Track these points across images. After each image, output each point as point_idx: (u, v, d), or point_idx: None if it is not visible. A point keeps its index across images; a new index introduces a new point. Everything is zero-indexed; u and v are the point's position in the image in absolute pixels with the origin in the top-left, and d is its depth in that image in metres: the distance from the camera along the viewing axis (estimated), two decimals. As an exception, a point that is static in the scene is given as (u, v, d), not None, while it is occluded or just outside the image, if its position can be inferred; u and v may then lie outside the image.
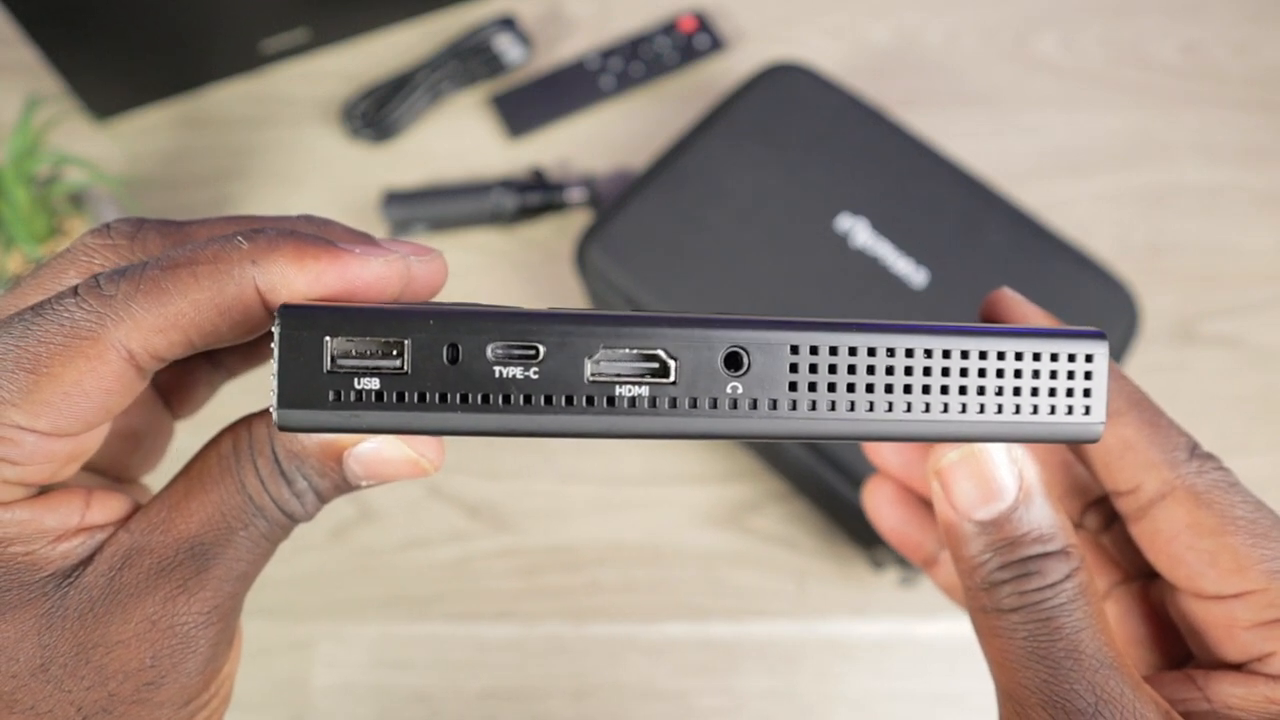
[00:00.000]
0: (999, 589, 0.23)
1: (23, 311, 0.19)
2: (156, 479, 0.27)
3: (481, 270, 0.65)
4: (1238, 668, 0.24)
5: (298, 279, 0.20)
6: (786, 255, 0.55)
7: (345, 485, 0.22)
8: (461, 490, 0.57)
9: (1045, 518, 0.23)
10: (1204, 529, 0.23)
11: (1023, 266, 0.54)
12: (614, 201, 0.57)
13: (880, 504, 0.32)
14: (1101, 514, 0.29)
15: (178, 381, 0.27)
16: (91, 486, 0.22)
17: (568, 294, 0.63)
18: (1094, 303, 0.54)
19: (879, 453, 0.32)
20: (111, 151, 0.68)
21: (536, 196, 0.64)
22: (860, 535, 0.52)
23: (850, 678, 0.53)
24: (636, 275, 0.55)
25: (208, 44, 0.68)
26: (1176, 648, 0.27)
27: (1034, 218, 0.56)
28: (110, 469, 0.26)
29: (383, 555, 0.55)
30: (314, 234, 0.21)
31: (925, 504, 0.32)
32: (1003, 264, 0.54)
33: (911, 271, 0.54)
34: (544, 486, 0.57)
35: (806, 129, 0.58)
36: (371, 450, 0.21)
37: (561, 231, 0.65)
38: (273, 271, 0.19)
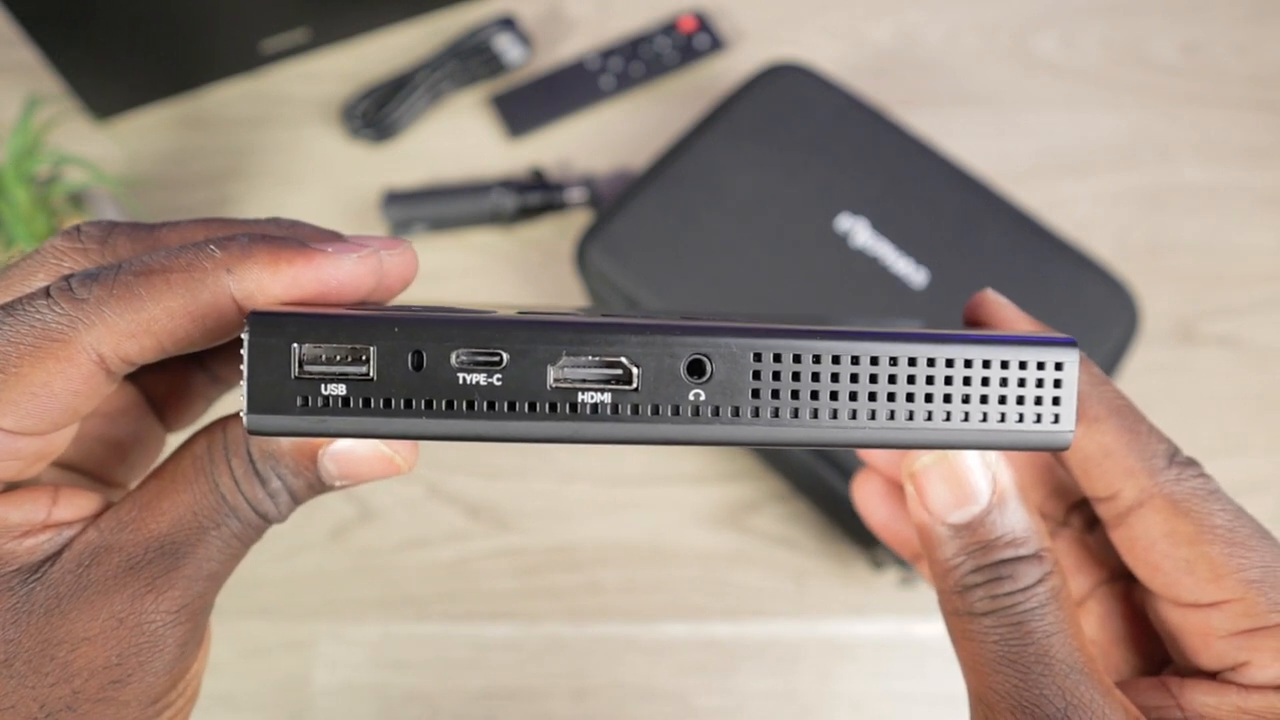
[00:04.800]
0: (972, 592, 0.23)
1: None
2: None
3: (481, 270, 0.65)
4: (1213, 676, 0.24)
5: (273, 284, 0.20)
6: (786, 255, 0.55)
7: (319, 485, 0.22)
8: (461, 490, 0.57)
9: (1019, 521, 0.23)
10: (1181, 537, 0.23)
11: (1023, 266, 0.54)
12: (614, 201, 0.57)
13: (868, 498, 0.32)
14: (1086, 514, 0.29)
15: (172, 393, 0.27)
16: (60, 484, 0.22)
17: (568, 294, 0.63)
18: (1094, 303, 0.54)
19: (868, 450, 0.32)
20: (111, 151, 0.68)
21: (536, 196, 0.64)
22: (860, 535, 0.52)
23: (850, 678, 0.53)
24: (636, 275, 0.55)
25: (208, 44, 0.68)
26: (1158, 649, 0.27)
27: (1034, 218, 0.56)
28: (96, 473, 0.26)
29: (383, 555, 0.55)
30: (285, 236, 0.21)
31: None
32: (1003, 264, 0.54)
33: (911, 271, 0.54)
34: (544, 486, 0.57)
35: (806, 129, 0.58)
36: (345, 449, 0.22)
37: (561, 231, 0.65)
38: (248, 278, 0.20)
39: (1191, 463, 0.24)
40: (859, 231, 0.55)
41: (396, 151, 0.69)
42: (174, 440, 0.28)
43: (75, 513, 0.21)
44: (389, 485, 0.57)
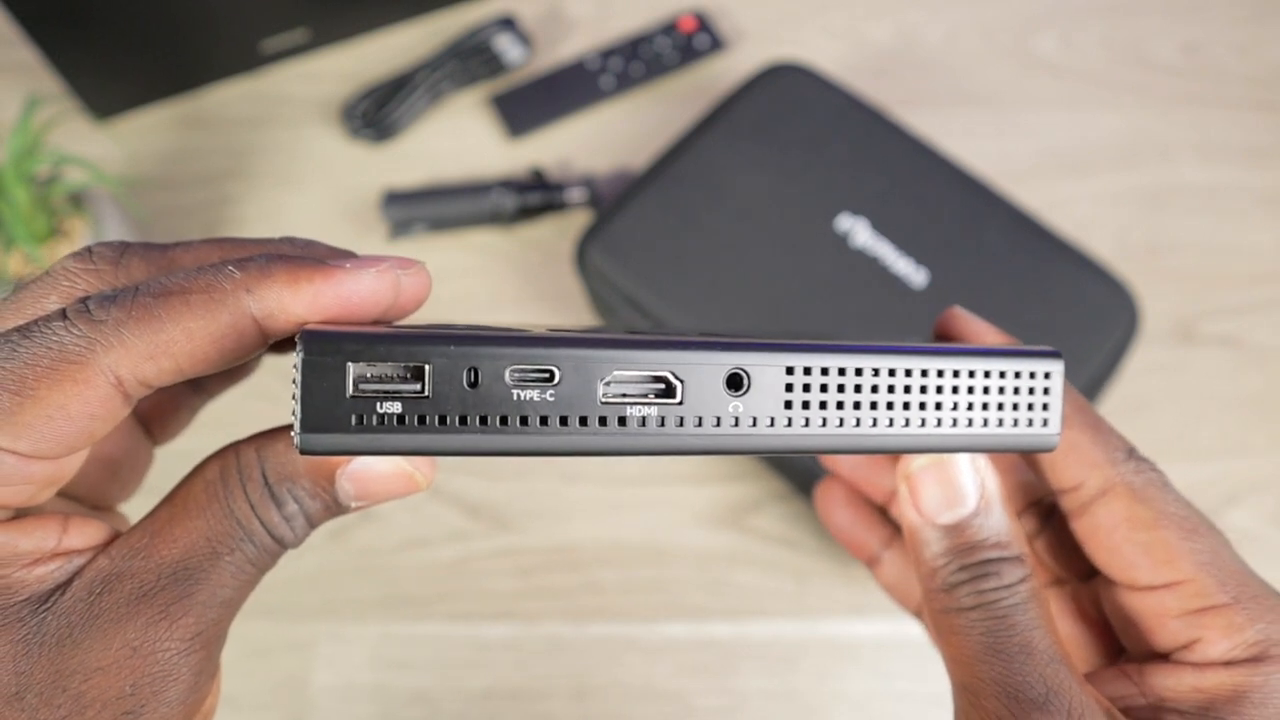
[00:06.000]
0: (958, 589, 0.24)
1: (8, 333, 0.19)
2: (133, 507, 0.27)
3: (481, 270, 0.65)
4: (1166, 657, 0.25)
5: (294, 303, 0.20)
6: (786, 255, 0.55)
7: (335, 507, 0.22)
8: (461, 490, 0.57)
9: (1003, 526, 0.24)
10: (1139, 522, 0.25)
11: (1023, 266, 0.54)
12: (614, 201, 0.57)
13: (831, 505, 0.34)
14: (1033, 519, 0.30)
15: (158, 407, 0.27)
16: (69, 512, 0.21)
17: (568, 294, 0.63)
18: (1094, 303, 0.54)
19: (833, 457, 0.33)
20: (111, 151, 0.68)
21: (536, 196, 0.64)
22: (860, 535, 0.52)
23: (850, 678, 0.53)
24: (636, 275, 0.55)
25: (208, 44, 0.68)
26: (1104, 647, 0.29)
27: (1034, 218, 0.56)
28: (87, 496, 0.26)
29: (383, 555, 0.55)
30: (301, 255, 0.21)
31: (871, 506, 0.34)
32: (1003, 264, 0.54)
33: (911, 271, 0.54)
34: (544, 486, 0.57)
35: (806, 129, 0.58)
36: (363, 466, 0.21)
37: (561, 231, 0.65)
38: (268, 298, 0.19)
39: (1146, 459, 0.26)
40: (859, 231, 0.55)
41: (396, 151, 0.69)
42: (159, 454, 0.28)
43: (85, 540, 0.21)
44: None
